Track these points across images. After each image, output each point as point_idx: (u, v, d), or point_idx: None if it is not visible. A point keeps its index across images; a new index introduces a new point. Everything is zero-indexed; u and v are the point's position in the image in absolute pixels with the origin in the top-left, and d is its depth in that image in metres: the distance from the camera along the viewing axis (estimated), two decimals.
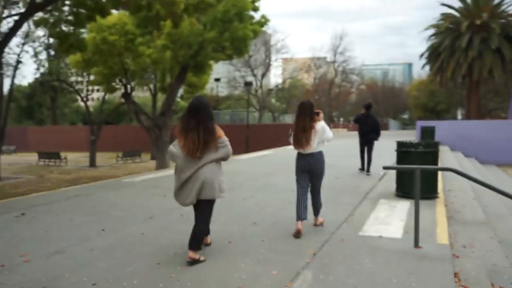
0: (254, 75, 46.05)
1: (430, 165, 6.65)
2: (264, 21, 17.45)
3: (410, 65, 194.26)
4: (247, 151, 30.17)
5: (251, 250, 4.21)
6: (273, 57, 46.80)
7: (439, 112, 54.19)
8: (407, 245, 4.30)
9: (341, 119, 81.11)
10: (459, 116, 65.94)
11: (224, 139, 3.95)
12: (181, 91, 25.81)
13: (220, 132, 3.94)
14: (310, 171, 4.82)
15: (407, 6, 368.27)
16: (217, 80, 45.72)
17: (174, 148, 3.96)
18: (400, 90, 71.79)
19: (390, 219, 5.41)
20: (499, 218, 6.40)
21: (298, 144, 4.78)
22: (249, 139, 30.85)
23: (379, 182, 8.56)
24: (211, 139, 3.83)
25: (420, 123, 25.54)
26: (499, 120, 27.25)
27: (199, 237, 3.92)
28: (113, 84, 22.57)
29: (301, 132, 4.72)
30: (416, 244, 4.24)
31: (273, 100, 66.52)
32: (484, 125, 21.25)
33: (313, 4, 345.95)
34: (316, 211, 5.02)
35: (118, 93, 28.62)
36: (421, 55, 34.53)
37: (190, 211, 4.26)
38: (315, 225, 5.03)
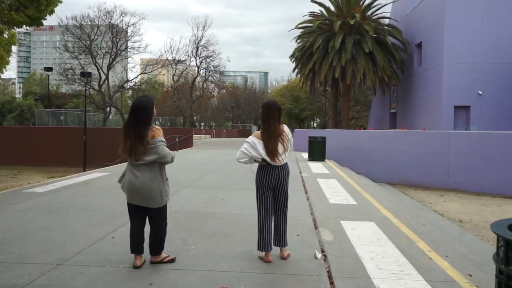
0: (97, 66, 37.12)
1: None
2: None
3: (266, 74, 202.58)
4: (84, 165, 22.37)
5: None
6: (122, 46, 38.58)
7: (303, 119, 53.23)
8: None
9: (202, 124, 76.23)
10: (315, 125, 67.15)
11: (156, 139, 3.62)
12: None
13: (156, 133, 3.66)
14: (278, 186, 3.98)
15: (262, 20, 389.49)
16: (48, 69, 36.20)
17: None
18: (262, 95, 70.42)
19: None
20: None
21: (272, 154, 3.88)
22: (87, 148, 22.96)
23: None
24: (139, 142, 3.57)
25: (302, 132, 21.69)
26: (398, 130, 21.72)
27: (159, 243, 3.86)
28: None
29: (277, 139, 3.88)
30: None
31: (129, 101, 57.85)
32: (379, 136, 17.96)
33: (170, 6, 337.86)
34: (284, 240, 4.02)
35: None
36: (292, 56, 31.36)
37: None
38: (283, 258, 4.00)
